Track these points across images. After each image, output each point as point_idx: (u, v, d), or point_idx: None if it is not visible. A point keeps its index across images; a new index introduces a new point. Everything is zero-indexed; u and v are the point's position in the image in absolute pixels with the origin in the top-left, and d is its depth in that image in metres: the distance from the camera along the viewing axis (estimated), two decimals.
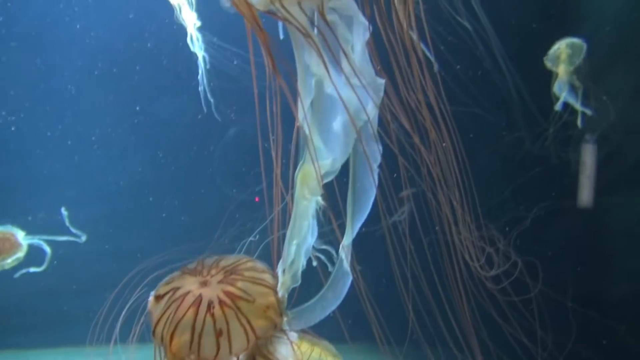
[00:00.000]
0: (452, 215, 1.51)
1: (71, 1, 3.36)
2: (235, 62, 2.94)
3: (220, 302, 1.27)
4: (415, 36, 1.40)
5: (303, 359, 1.34)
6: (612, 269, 2.72)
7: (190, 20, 2.79)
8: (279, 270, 1.35)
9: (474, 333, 1.52)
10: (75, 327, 3.60)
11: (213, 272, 1.34)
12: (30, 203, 3.42)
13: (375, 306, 1.41)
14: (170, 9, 3.10)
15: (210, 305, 1.29)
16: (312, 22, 1.14)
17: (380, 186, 1.36)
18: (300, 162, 1.37)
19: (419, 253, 1.51)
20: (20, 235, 3.04)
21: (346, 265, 1.19)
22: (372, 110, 1.12)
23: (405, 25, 1.38)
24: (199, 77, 2.90)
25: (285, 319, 1.29)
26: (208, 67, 2.94)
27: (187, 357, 1.27)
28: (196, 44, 2.83)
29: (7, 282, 3.22)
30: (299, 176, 1.34)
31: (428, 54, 1.42)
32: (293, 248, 1.33)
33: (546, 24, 2.70)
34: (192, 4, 2.78)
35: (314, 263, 1.33)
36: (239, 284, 1.32)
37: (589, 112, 2.42)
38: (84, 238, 3.32)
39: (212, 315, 1.26)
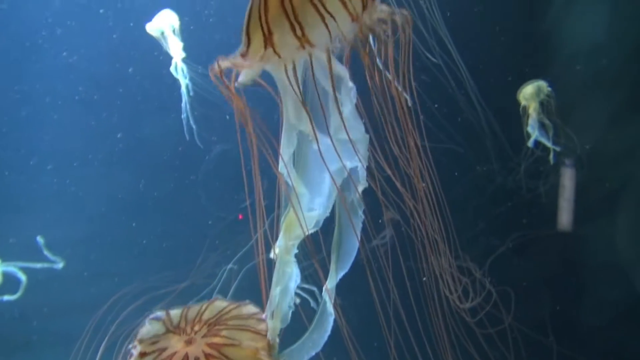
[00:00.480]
0: (430, 247, 1.57)
1: (53, 27, 3.38)
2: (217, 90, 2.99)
3: (206, 355, 1.28)
4: (391, 77, 1.48)
5: None
6: (588, 298, 2.81)
7: (175, 49, 2.84)
8: (267, 313, 1.38)
9: None
10: (50, 352, 3.53)
11: (197, 327, 1.37)
12: (9, 228, 3.36)
13: (356, 341, 1.45)
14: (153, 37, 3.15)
15: None
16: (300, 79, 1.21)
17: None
18: (285, 211, 1.41)
19: (398, 285, 1.56)
20: None
21: (330, 307, 1.23)
22: (359, 169, 1.18)
23: (382, 67, 1.46)
24: (183, 104, 2.93)
25: None
26: (191, 94, 2.98)
27: None
28: (180, 72, 2.87)
29: None
30: (283, 224, 1.38)
31: (404, 93, 1.50)
32: (278, 292, 1.36)
33: (519, 62, 2.86)
34: (177, 34, 2.83)
35: (297, 300, 1.36)
36: (224, 332, 1.34)
37: (557, 149, 2.58)
38: (61, 265, 3.27)
39: None
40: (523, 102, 2.64)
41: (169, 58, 3.16)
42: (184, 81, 2.88)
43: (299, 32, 1.23)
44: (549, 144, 2.58)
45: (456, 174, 2.61)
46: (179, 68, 2.87)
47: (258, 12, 1.30)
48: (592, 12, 3.01)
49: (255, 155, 1.47)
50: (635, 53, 2.93)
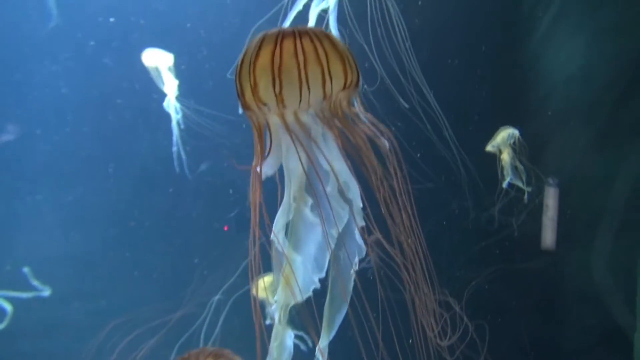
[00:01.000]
0: (410, 281, 1.66)
1: (43, 59, 3.45)
2: (208, 122, 3.09)
3: None
4: (373, 127, 1.59)
5: None
6: (567, 325, 2.90)
7: (169, 86, 2.94)
8: None
9: None
10: None
11: None
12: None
13: None
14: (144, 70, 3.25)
15: None
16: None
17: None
18: (275, 277, 1.47)
19: (381, 321, 1.64)
20: None
21: None
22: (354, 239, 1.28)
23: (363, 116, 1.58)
24: (174, 138, 3.02)
25: None
26: (182, 127, 3.08)
27: None
28: (172, 107, 2.97)
29: None
30: (279, 287, 1.44)
31: (382, 137, 1.60)
32: (275, 347, 1.42)
33: (496, 102, 3.04)
34: (172, 71, 2.95)
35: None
36: None
37: (529, 189, 2.76)
38: (48, 292, 3.26)
39: None
40: (492, 149, 2.84)
41: (160, 92, 3.26)
42: (175, 116, 2.98)
43: (277, 89, 1.28)
44: (522, 186, 2.75)
45: (431, 211, 2.74)
46: (171, 104, 2.97)
47: (249, 59, 1.37)
48: (568, 47, 3.20)
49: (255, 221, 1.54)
50: (609, 85, 3.11)
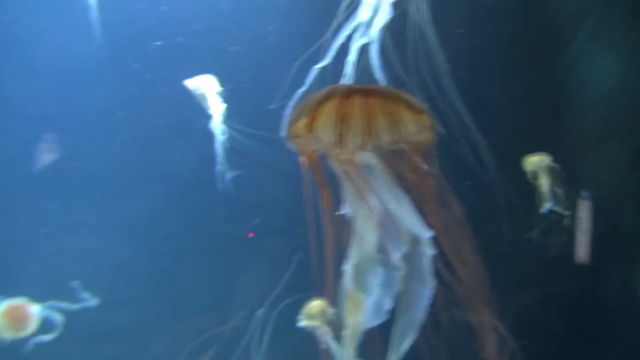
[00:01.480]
0: (464, 306, 1.75)
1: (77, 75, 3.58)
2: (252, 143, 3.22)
3: None
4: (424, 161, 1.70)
5: None
6: (611, 345, 2.87)
7: (215, 109, 3.09)
8: None
9: None
10: None
11: None
12: (41, 270, 3.51)
13: None
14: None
15: None
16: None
17: None
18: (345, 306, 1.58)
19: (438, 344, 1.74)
20: (33, 306, 3.10)
21: None
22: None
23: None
24: (218, 158, 3.16)
25: None
26: (227, 147, 3.22)
27: None
28: (217, 129, 3.11)
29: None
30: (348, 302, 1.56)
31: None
32: None
33: (531, 119, 3.07)
34: (217, 94, 3.10)
35: None
36: None
37: (568, 212, 2.82)
38: (95, 302, 3.41)
39: None
40: (530, 170, 2.89)
41: (205, 113, 3.40)
42: (220, 137, 3.13)
43: (338, 132, 1.42)
44: (561, 211, 2.82)
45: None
46: (216, 125, 3.11)
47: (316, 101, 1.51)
48: (606, 62, 3.17)
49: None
50: None
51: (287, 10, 3.50)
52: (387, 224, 1.44)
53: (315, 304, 2.57)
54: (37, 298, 3.34)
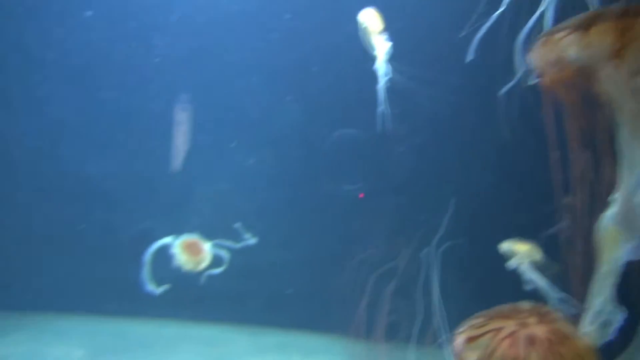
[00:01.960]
0: None
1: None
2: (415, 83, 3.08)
3: (548, 338, 1.37)
4: None
5: None
6: None
7: (380, 48, 2.96)
8: (587, 321, 1.43)
9: None
10: None
11: (525, 315, 1.42)
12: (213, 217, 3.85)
13: None
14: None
15: (533, 341, 1.39)
16: None
17: None
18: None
19: None
20: (206, 243, 3.41)
21: None
22: None
23: None
24: (380, 99, 3.07)
25: None
26: (389, 92, 3.10)
27: None
28: (381, 70, 2.99)
29: None
30: (607, 238, 1.42)
31: None
32: (599, 303, 1.41)
33: None
34: (383, 34, 2.95)
35: None
36: (557, 326, 1.40)
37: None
38: (254, 241, 3.66)
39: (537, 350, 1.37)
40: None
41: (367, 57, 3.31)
42: (383, 78, 3.01)
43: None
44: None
45: None
46: (381, 66, 2.99)
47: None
48: None
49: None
50: None
51: None
52: None
53: (522, 245, 2.46)
54: (207, 237, 3.68)
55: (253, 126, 3.94)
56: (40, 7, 4.11)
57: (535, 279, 2.31)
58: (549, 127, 1.58)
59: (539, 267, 2.35)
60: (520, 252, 2.42)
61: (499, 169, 3.51)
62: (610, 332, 1.39)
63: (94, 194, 4.24)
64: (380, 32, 2.97)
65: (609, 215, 1.45)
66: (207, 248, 3.37)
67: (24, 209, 4.30)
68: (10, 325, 4.20)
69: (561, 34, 1.44)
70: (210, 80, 3.99)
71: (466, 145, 3.57)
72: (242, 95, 3.92)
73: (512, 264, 2.46)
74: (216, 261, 3.54)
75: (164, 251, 3.29)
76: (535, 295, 2.21)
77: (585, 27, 1.39)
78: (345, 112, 3.74)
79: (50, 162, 4.23)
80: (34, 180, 4.31)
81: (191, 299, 3.90)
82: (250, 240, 3.56)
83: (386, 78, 3.01)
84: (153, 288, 3.12)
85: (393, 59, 3.04)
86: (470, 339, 1.45)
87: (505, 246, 2.51)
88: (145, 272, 3.17)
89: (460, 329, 1.52)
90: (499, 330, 1.41)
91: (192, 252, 3.25)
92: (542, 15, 2.34)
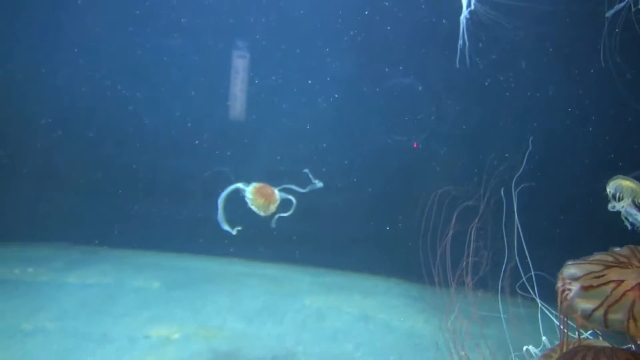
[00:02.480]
0: None
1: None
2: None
3: None
4: None
5: None
6: None
7: None
8: None
9: None
10: None
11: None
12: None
13: None
14: None
15: None
16: None
17: None
18: None
19: None
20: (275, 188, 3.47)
21: None
22: None
23: None
24: (461, 31, 2.83)
25: None
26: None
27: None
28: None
29: None
30: None
31: None
32: None
33: None
34: None
35: None
36: None
37: None
38: (321, 184, 3.68)
39: None
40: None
41: None
42: (466, 7, 2.74)
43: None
44: None
45: None
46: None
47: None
48: None
49: None
50: None
51: None
52: None
53: (628, 182, 2.31)
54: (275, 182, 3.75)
55: (316, 72, 3.82)
56: None
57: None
58: None
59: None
60: (626, 189, 2.28)
61: (584, 107, 3.24)
62: None
63: (165, 143, 4.40)
64: None
65: None
66: (277, 192, 3.42)
67: (107, 159, 4.55)
68: (96, 258, 4.60)
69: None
70: (274, 27, 3.87)
71: (551, 80, 3.29)
72: (307, 44, 3.79)
73: (615, 203, 2.32)
74: (285, 205, 3.61)
75: (235, 194, 3.37)
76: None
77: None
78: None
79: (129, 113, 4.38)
80: (115, 132, 4.52)
81: (256, 240, 4.06)
82: (318, 184, 3.57)
83: (468, 9, 2.74)
84: (228, 228, 3.25)
85: None
86: (586, 288, 1.37)
87: (613, 184, 2.36)
88: (220, 214, 3.28)
89: (570, 275, 1.44)
90: (619, 282, 1.32)
91: (263, 195, 3.30)
92: None
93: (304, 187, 3.60)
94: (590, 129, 3.19)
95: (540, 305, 2.65)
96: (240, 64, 4.01)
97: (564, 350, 1.45)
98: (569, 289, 1.41)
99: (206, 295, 4.02)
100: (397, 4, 3.58)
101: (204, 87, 4.17)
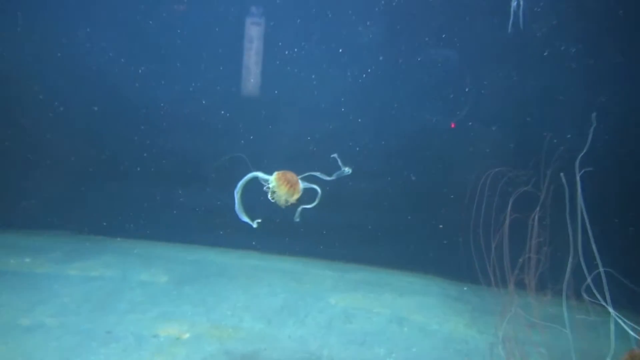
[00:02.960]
0: None
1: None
2: None
3: None
4: None
5: None
6: None
7: None
8: None
9: None
10: None
11: None
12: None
13: None
14: None
15: None
16: None
17: None
18: None
19: None
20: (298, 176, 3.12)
21: None
22: None
23: None
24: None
25: None
26: None
27: None
28: None
29: None
30: None
31: None
32: None
33: None
34: None
35: None
36: None
37: None
38: (349, 170, 3.32)
39: None
40: None
41: None
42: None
43: None
44: None
45: None
46: None
47: None
48: None
49: None
50: None
51: None
52: None
53: None
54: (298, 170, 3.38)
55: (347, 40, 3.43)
56: None
57: None
58: None
59: None
60: None
61: None
62: None
63: (177, 121, 4.05)
64: None
65: None
66: (300, 181, 3.04)
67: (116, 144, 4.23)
68: (98, 249, 4.28)
69: None
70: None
71: (620, 48, 2.83)
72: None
73: None
74: (307, 195, 3.25)
75: (253, 182, 3.04)
76: None
77: None
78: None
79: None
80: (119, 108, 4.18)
81: (274, 231, 3.70)
82: (347, 170, 3.19)
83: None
84: (247, 220, 2.90)
85: None
86: None
87: None
88: (238, 204, 2.94)
89: None
90: None
91: (288, 182, 2.93)
92: None
93: (330, 175, 3.24)
94: None
95: (613, 314, 2.24)
96: (254, 32, 3.62)
97: None
98: None
99: (219, 292, 3.68)
100: None
101: (222, 59, 3.79)
